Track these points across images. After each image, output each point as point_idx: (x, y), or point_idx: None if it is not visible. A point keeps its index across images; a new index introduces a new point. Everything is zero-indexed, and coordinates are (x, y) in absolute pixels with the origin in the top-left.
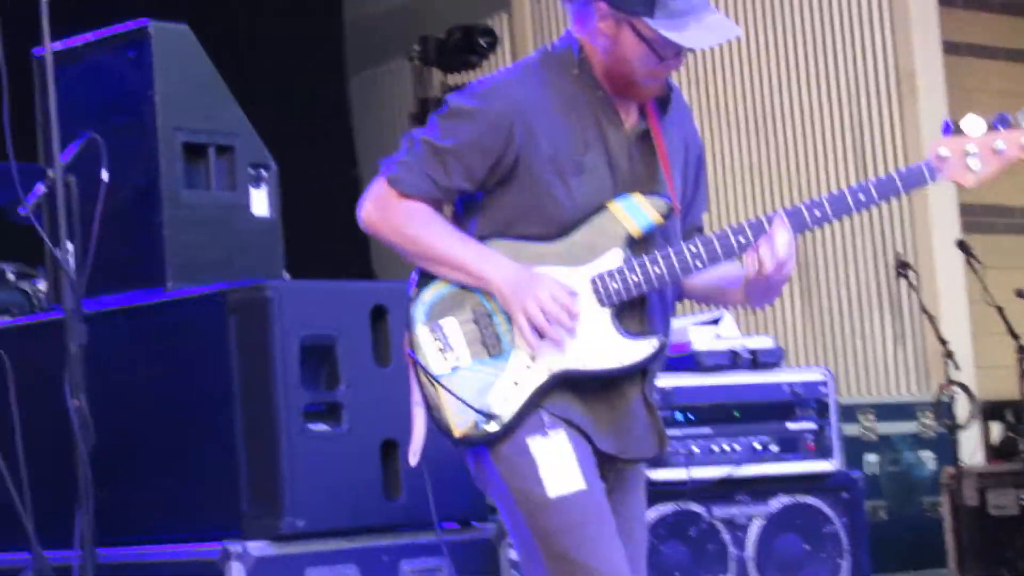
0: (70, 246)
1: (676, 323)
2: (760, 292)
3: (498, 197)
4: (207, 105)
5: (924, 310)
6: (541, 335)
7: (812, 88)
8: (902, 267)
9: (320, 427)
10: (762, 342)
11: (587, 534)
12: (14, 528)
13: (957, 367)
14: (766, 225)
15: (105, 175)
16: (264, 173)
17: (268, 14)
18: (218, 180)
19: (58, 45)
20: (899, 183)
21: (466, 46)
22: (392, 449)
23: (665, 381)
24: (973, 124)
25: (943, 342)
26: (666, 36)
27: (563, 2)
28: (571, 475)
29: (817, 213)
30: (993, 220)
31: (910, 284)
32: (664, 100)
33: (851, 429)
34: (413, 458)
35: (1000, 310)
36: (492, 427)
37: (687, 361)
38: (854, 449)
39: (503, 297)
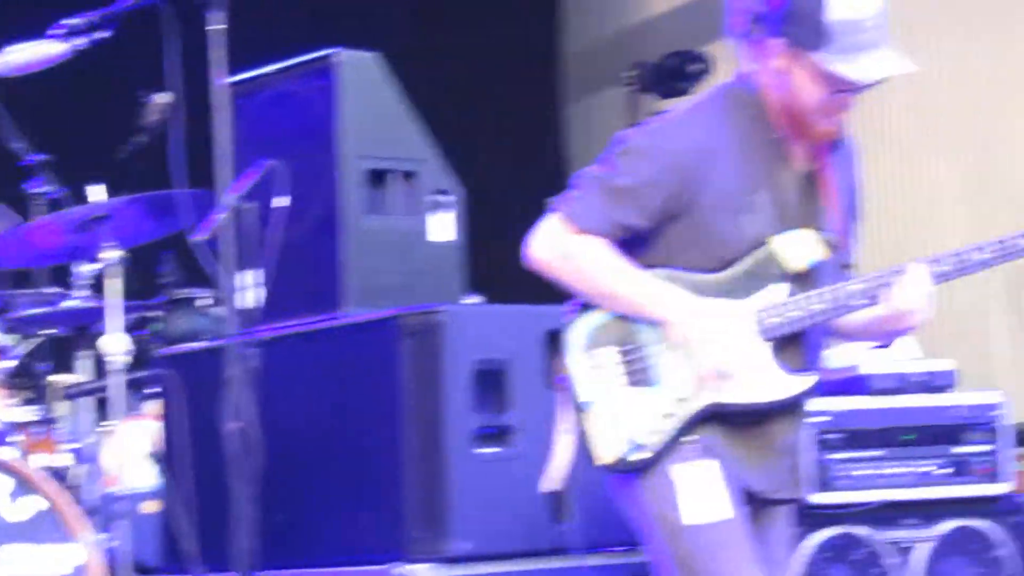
0: (244, 273)
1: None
2: (884, 334)
3: (665, 229)
4: (392, 132)
5: None
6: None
7: None
8: None
9: (490, 450)
10: (936, 364)
11: (727, 559)
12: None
13: None
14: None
15: (285, 202)
16: (449, 198)
17: (484, 41)
18: (400, 206)
19: (247, 74)
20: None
21: (680, 72)
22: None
23: (835, 404)
24: None
25: None
26: (836, 70)
27: (737, 39)
28: (717, 503)
29: (983, 256)
30: None
31: None
32: (837, 143)
33: None
34: (549, 484)
35: None
36: (640, 456)
37: (857, 384)
38: None
39: (681, 338)
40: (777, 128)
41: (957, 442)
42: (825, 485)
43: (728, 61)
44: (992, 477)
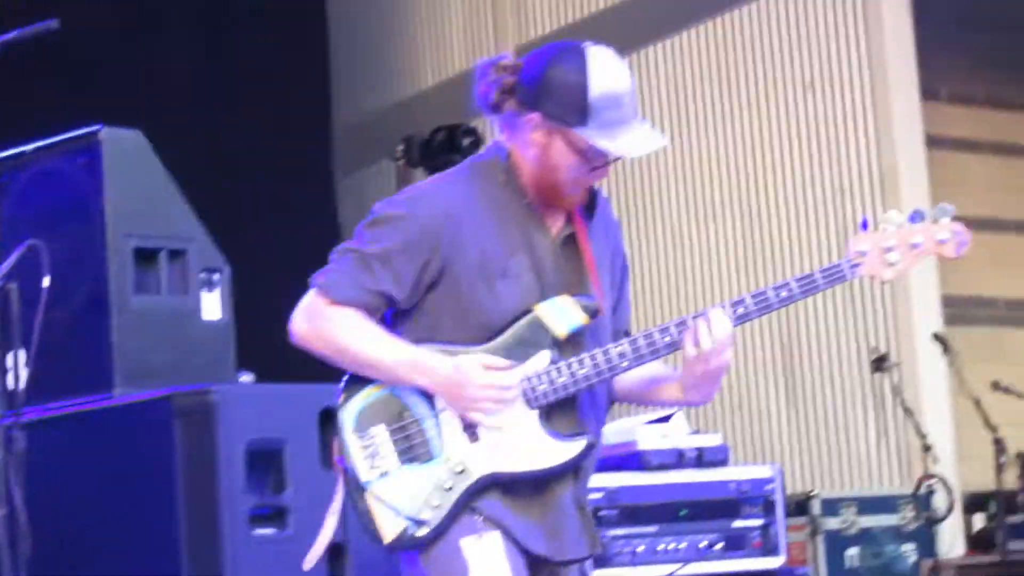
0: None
1: (625, 422)
2: (696, 382)
3: (425, 303)
4: (159, 210)
5: (903, 404)
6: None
7: (796, 184)
8: (879, 361)
9: (266, 531)
10: (709, 440)
11: None
12: None
13: (936, 460)
14: (690, 322)
15: (47, 282)
16: (217, 276)
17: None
18: (170, 285)
19: (6, 152)
20: (819, 279)
21: (450, 146)
22: (339, 552)
23: (610, 480)
24: (891, 220)
25: (922, 436)
26: (598, 145)
27: (489, 114)
28: (501, 574)
29: (740, 310)
30: (975, 312)
31: (889, 378)
32: (590, 207)
33: (833, 523)
34: (308, 563)
35: (977, 402)
36: (422, 532)
37: (632, 460)
38: (836, 542)
39: (442, 397)
40: (527, 195)
41: (732, 516)
42: (602, 562)
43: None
44: (767, 551)
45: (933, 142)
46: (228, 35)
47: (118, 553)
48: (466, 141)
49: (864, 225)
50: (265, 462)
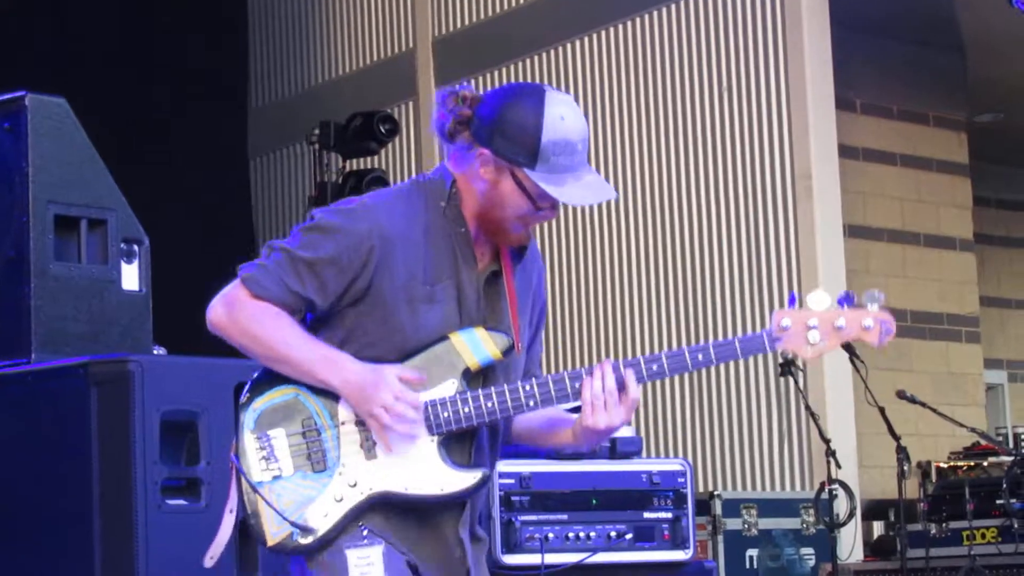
0: None
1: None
2: (588, 435)
3: (345, 314)
4: (82, 179)
5: (808, 408)
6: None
7: (710, 188)
8: (785, 366)
9: (179, 502)
10: (621, 431)
11: None
12: None
13: (839, 465)
14: (585, 375)
15: None
16: (136, 248)
17: (176, 94)
18: (89, 254)
19: None
20: (738, 348)
21: (366, 133)
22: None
23: (524, 466)
24: (819, 299)
25: (826, 440)
26: (545, 189)
27: (442, 141)
28: None
29: (655, 367)
30: None
31: (795, 382)
32: (521, 249)
33: (734, 523)
34: (209, 561)
35: (882, 410)
36: (306, 540)
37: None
38: (736, 543)
39: (350, 399)
40: (465, 224)
41: (643, 507)
42: (513, 547)
43: (413, 123)
44: (676, 544)
45: (846, 152)
46: (152, 16)
47: (30, 519)
48: (384, 128)
49: (792, 301)
50: (180, 434)
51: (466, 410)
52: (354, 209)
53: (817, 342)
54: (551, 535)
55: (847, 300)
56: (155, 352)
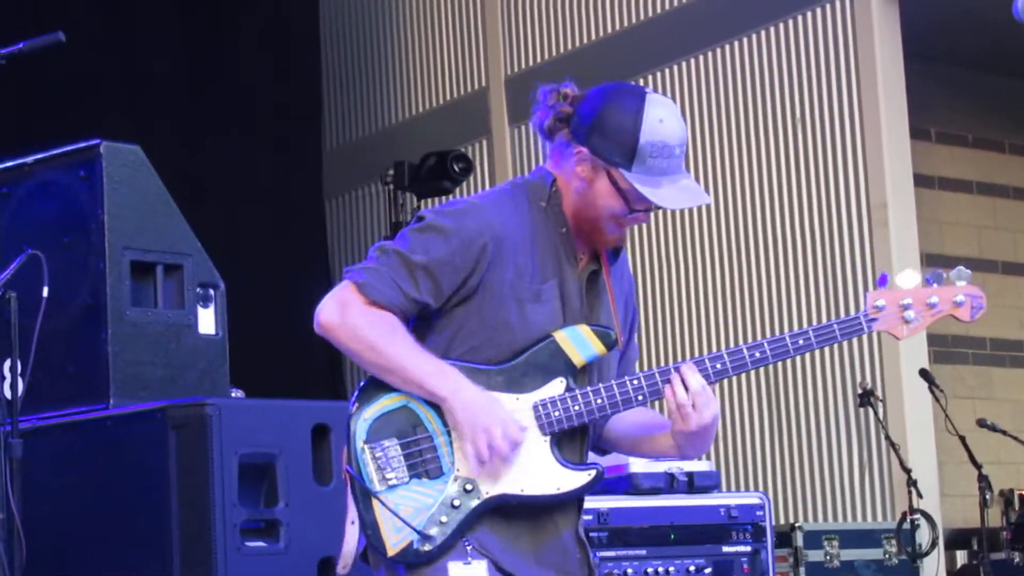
0: (6, 362)
1: None
2: (685, 439)
3: (452, 315)
4: (157, 224)
5: (888, 439)
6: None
7: (787, 218)
8: (865, 396)
9: (257, 544)
10: (699, 465)
11: None
12: None
13: (920, 495)
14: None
15: (45, 291)
16: (212, 292)
17: (250, 137)
18: (165, 299)
19: (6, 164)
20: (837, 331)
21: (440, 172)
22: (329, 566)
23: (601, 502)
24: (908, 277)
25: (907, 470)
26: (640, 191)
27: (543, 139)
28: None
29: (757, 354)
30: (962, 350)
31: (875, 413)
32: (615, 252)
33: (815, 555)
34: (342, 570)
35: (963, 439)
36: (426, 547)
37: (623, 483)
38: (818, 575)
39: (456, 419)
40: (566, 223)
41: (721, 542)
42: None
43: (487, 161)
44: None
45: (922, 181)
46: (224, 57)
47: (112, 564)
48: (457, 167)
49: (883, 281)
50: (257, 475)
51: (576, 407)
52: (465, 209)
53: (912, 320)
54: (630, 571)
55: (936, 279)
56: (232, 395)
